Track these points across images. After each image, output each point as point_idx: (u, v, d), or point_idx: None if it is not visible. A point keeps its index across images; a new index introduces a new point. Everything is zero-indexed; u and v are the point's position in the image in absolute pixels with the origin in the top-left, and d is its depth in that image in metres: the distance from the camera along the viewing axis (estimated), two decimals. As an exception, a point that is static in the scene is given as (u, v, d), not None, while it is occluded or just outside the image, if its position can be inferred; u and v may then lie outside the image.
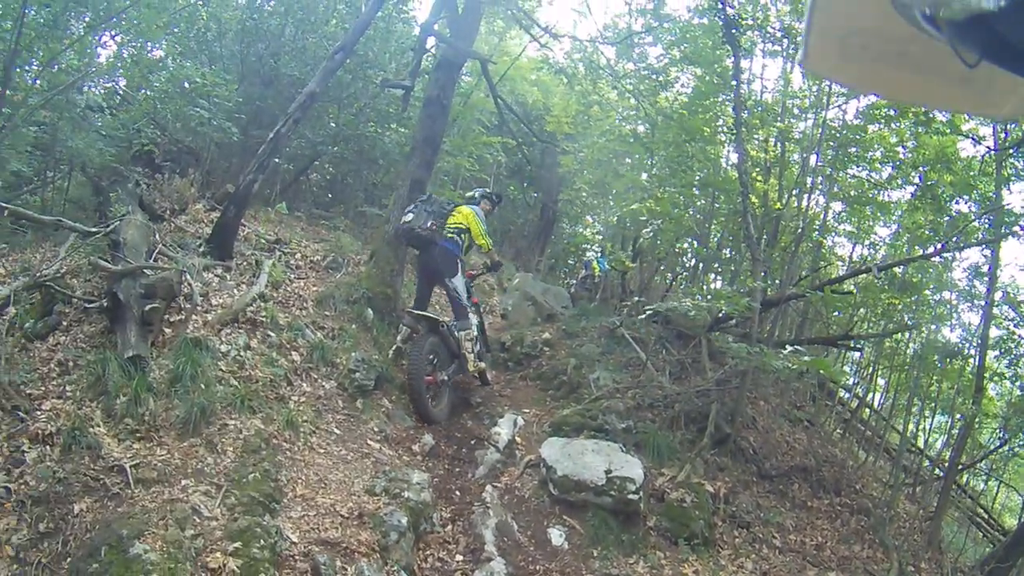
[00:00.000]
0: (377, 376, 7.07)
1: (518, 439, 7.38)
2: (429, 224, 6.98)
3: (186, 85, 8.56)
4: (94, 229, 6.55)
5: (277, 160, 10.69)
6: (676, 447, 7.58)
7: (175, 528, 4.02)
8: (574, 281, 15.74)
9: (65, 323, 5.66)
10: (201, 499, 4.39)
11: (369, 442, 6.36)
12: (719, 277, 12.29)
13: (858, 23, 0.78)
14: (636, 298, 11.59)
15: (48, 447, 4.38)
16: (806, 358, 7.32)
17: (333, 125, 11.37)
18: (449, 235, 7.11)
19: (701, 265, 12.28)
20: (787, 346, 7.78)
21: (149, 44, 10.14)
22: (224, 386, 5.59)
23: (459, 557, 5.58)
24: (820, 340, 9.74)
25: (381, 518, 5.08)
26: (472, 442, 7.27)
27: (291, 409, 5.89)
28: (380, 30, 11.01)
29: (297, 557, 4.39)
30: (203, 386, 5.33)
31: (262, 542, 4.17)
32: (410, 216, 7.04)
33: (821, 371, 8.28)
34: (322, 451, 5.79)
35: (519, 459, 7.07)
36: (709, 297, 8.15)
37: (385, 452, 6.34)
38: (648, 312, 7.96)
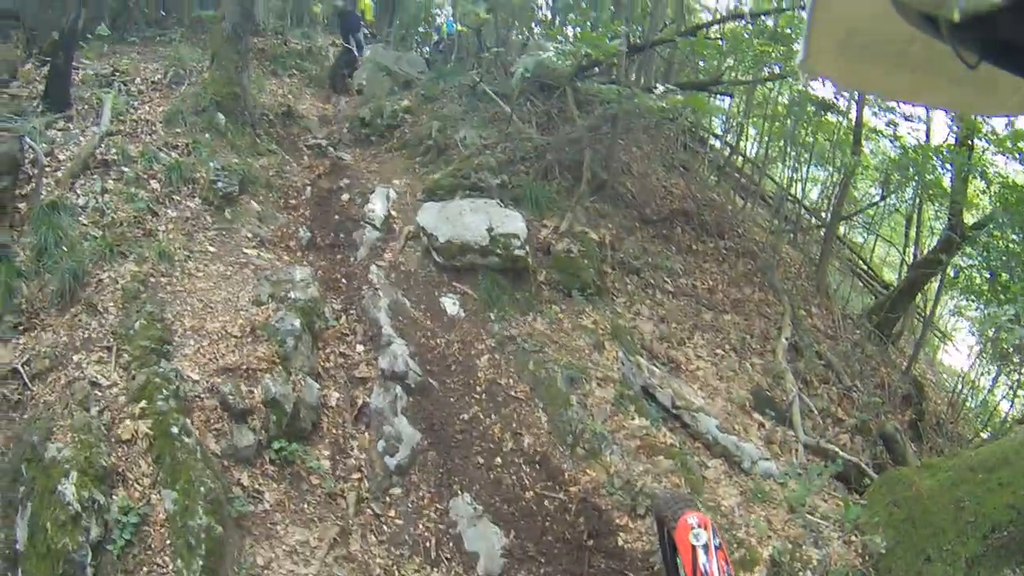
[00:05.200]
0: (240, 180, 6.82)
1: (393, 212, 7.15)
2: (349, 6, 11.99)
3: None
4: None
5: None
6: (554, 197, 7.50)
7: (80, 412, 3.88)
8: (428, 48, 15.83)
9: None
10: (96, 369, 4.25)
11: (246, 251, 6.21)
12: (578, 28, 11.80)
13: (858, 23, 0.76)
14: (495, 49, 11.17)
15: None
16: (679, 97, 7.24)
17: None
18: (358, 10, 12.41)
19: (558, 17, 11.80)
20: (658, 87, 7.72)
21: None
22: (90, 241, 5.28)
23: (359, 348, 5.56)
24: (689, 85, 9.63)
25: (274, 327, 4.98)
26: (348, 224, 7.03)
27: (161, 241, 5.67)
28: None
29: (203, 395, 4.33)
30: (69, 248, 5.02)
31: (164, 392, 4.07)
32: (341, 3, 12.15)
33: (697, 109, 8.21)
34: (201, 274, 5.62)
35: (398, 233, 6.83)
36: (572, 43, 7.66)
37: (263, 256, 6.23)
38: (521, 72, 7.58)
